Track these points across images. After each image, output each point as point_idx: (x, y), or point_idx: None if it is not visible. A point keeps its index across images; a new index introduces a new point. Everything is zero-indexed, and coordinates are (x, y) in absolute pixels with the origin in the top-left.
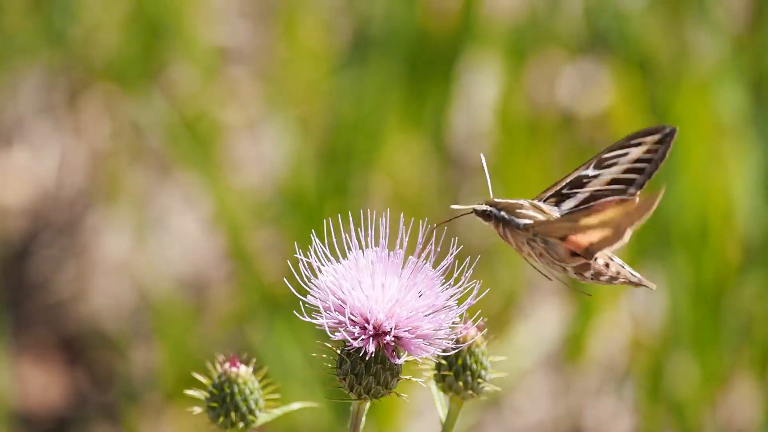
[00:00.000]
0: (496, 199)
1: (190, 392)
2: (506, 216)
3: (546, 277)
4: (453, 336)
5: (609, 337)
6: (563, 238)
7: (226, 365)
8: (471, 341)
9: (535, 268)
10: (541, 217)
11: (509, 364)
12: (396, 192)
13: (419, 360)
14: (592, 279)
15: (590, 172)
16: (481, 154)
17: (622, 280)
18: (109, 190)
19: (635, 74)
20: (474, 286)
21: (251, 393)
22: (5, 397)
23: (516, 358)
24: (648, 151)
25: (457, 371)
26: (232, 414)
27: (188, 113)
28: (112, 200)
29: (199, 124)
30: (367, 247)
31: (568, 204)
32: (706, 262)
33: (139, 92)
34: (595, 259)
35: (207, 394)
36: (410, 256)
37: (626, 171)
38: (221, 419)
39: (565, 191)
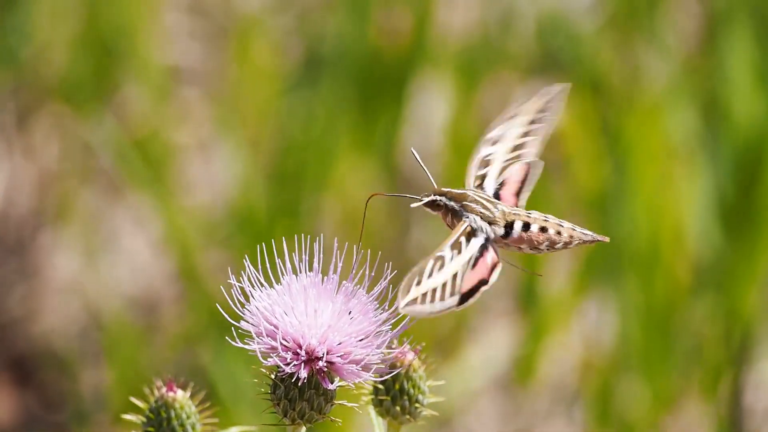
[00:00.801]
0: (444, 189)
1: (127, 417)
2: (457, 207)
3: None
4: (387, 361)
5: (559, 358)
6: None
7: (163, 390)
8: (406, 366)
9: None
10: (489, 206)
11: (459, 385)
12: (347, 213)
13: (352, 386)
14: (548, 249)
15: (487, 150)
16: (412, 149)
17: (577, 241)
18: (60, 211)
19: (587, 96)
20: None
21: (188, 417)
22: None
23: (466, 380)
24: (539, 111)
25: (394, 396)
26: None
27: (139, 134)
28: (63, 221)
29: (151, 145)
30: (310, 270)
31: (489, 182)
32: (657, 284)
33: (91, 113)
34: (547, 230)
35: (144, 419)
36: (344, 281)
37: (522, 135)
38: None
39: (480, 173)
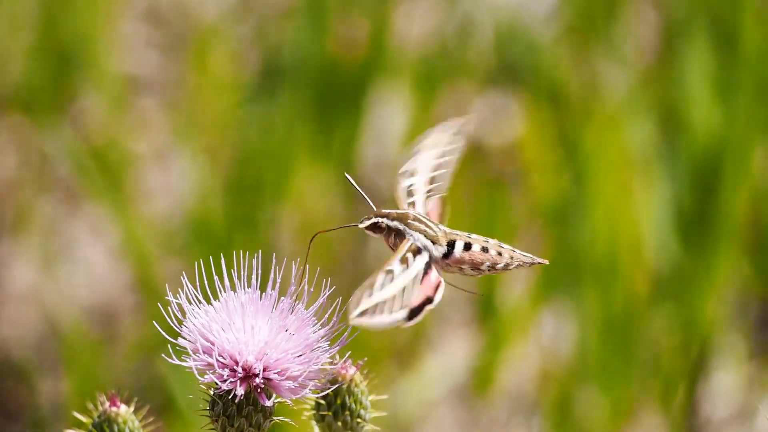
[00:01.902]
0: (383, 210)
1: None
2: (401, 227)
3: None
4: (325, 377)
5: (518, 368)
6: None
7: (106, 404)
8: (347, 381)
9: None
10: (431, 225)
11: (418, 395)
12: (304, 223)
13: (290, 402)
14: (489, 271)
15: (407, 182)
16: (346, 174)
17: (517, 263)
18: (17, 220)
19: (545, 106)
20: (346, 327)
21: None
22: None
23: (424, 390)
24: (447, 143)
25: (336, 411)
26: None
27: (97, 143)
28: (20, 230)
29: (108, 154)
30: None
31: (419, 210)
32: (615, 295)
33: (48, 122)
34: (488, 250)
35: None
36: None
37: (435, 168)
38: None
39: (410, 200)
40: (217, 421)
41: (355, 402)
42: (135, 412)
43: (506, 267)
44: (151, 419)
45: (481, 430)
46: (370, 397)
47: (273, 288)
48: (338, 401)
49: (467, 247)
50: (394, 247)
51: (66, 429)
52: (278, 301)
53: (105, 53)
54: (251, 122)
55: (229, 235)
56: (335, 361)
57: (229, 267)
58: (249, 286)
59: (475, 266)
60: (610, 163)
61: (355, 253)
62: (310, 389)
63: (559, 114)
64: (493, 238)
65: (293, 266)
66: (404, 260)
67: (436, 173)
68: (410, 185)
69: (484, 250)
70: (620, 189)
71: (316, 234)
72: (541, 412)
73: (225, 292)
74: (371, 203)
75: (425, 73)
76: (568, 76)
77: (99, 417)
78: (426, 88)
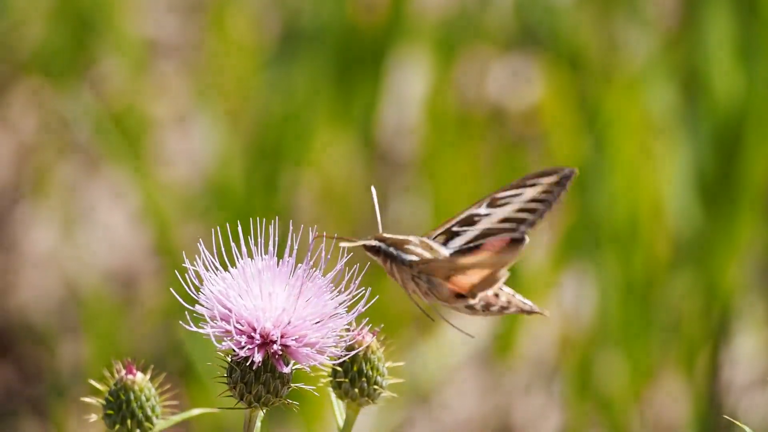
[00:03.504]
0: (385, 235)
1: (86, 399)
2: (393, 252)
3: (428, 316)
4: (343, 344)
5: (538, 333)
6: (447, 278)
7: (122, 372)
8: (364, 348)
9: (418, 307)
10: (428, 254)
11: (438, 361)
12: (324, 188)
13: (308, 369)
14: (483, 311)
15: (482, 210)
16: (372, 188)
17: (514, 309)
18: (37, 184)
19: (565, 70)
20: (364, 293)
21: (147, 400)
22: None
23: (445, 355)
24: (544, 191)
25: (352, 378)
26: (128, 422)
27: (116, 107)
28: (40, 194)
29: (128, 119)
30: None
31: (457, 242)
32: (636, 259)
33: (67, 86)
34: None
35: (103, 402)
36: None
37: (519, 210)
38: (117, 427)
39: (455, 229)
40: (234, 388)
41: (372, 369)
42: (152, 379)
43: (502, 310)
44: (168, 386)
45: (501, 396)
46: (387, 364)
47: (290, 255)
48: (355, 368)
49: None
50: (390, 274)
51: (85, 393)
52: (296, 267)
53: (124, 17)
54: (271, 86)
55: (248, 199)
56: (352, 328)
57: (246, 234)
58: (266, 252)
59: (469, 304)
60: (631, 127)
61: (373, 222)
62: (327, 356)
63: (579, 78)
64: None
65: (311, 233)
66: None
67: (517, 215)
68: (478, 215)
69: None
70: (641, 153)
71: (315, 238)
72: (561, 377)
73: (242, 259)
74: (380, 224)
75: (445, 38)
76: (588, 40)
77: (115, 385)
78: (446, 53)
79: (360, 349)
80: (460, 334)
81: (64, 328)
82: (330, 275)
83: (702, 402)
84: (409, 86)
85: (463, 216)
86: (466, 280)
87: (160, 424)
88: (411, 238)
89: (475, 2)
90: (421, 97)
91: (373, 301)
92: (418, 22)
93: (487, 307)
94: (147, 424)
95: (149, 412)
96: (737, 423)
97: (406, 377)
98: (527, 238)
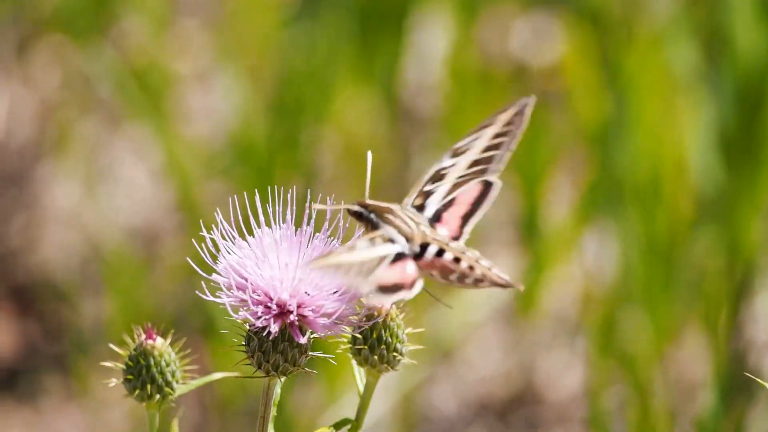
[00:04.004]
0: (368, 201)
1: (106, 364)
2: (374, 218)
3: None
4: (360, 313)
5: (561, 290)
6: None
7: (143, 337)
8: (383, 315)
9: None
10: (405, 227)
11: (461, 317)
12: (347, 144)
13: (324, 338)
14: (458, 282)
15: (446, 162)
16: (368, 152)
17: (488, 282)
18: (59, 141)
19: (588, 27)
20: None
21: (167, 365)
22: None
23: (468, 312)
24: (505, 125)
25: (372, 345)
26: (148, 387)
27: (138, 64)
28: (62, 151)
29: (150, 75)
30: (283, 222)
31: (433, 201)
32: (659, 216)
33: (90, 43)
34: (459, 261)
35: (123, 367)
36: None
37: (485, 150)
38: (137, 392)
39: (427, 188)
40: (252, 356)
41: (392, 336)
42: (172, 342)
43: (476, 283)
44: (189, 349)
45: (524, 353)
46: (407, 330)
47: (308, 223)
48: (374, 335)
49: (439, 253)
50: None
51: (107, 351)
52: (313, 236)
53: None
54: (293, 43)
55: (270, 156)
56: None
57: (264, 202)
58: (284, 221)
59: (444, 274)
60: (653, 84)
61: (395, 179)
62: (345, 325)
63: (601, 35)
64: (534, 162)
65: (329, 202)
66: (372, 241)
67: (484, 155)
68: (444, 167)
69: (456, 260)
70: (663, 110)
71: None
72: (584, 334)
73: (260, 228)
74: (368, 190)
75: None
76: None
77: (135, 350)
78: (468, 10)
79: (379, 317)
80: (484, 290)
81: (86, 285)
82: (348, 244)
83: (724, 359)
84: (432, 43)
85: (430, 174)
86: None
87: (180, 388)
88: (393, 206)
89: None
90: (443, 53)
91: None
92: None
93: (461, 279)
94: (167, 389)
95: (169, 377)
96: (759, 380)
97: (429, 334)
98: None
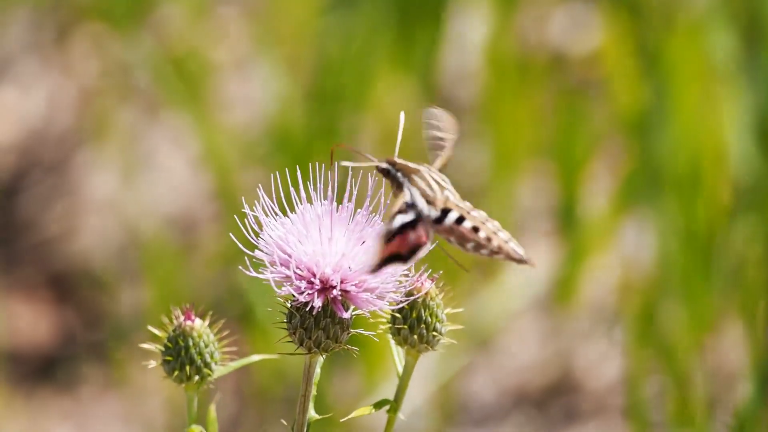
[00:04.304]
0: (396, 159)
1: (144, 346)
2: (400, 178)
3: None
4: (402, 289)
5: (599, 279)
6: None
7: (181, 319)
8: (423, 294)
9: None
10: (429, 191)
11: (499, 306)
12: (385, 132)
13: (367, 314)
14: (474, 251)
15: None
16: (401, 113)
17: (503, 255)
18: (98, 129)
19: (626, 15)
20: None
21: (206, 346)
22: None
23: (506, 301)
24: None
25: (411, 324)
26: (187, 368)
27: (177, 52)
28: (101, 139)
29: (188, 64)
30: (325, 199)
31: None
32: (697, 205)
33: (128, 31)
34: (478, 231)
35: (162, 348)
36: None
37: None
38: (176, 373)
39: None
40: (294, 333)
41: (431, 315)
42: (211, 325)
43: (492, 254)
44: (227, 332)
45: (562, 342)
46: (447, 311)
47: (350, 200)
48: (414, 315)
49: (459, 220)
50: (395, 196)
51: (145, 339)
52: (355, 212)
53: None
54: (332, 31)
55: (309, 144)
56: (412, 274)
57: (305, 179)
58: (326, 198)
59: (461, 242)
60: (692, 72)
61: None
62: (386, 302)
63: (640, 23)
64: (572, 151)
65: (370, 178)
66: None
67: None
68: (439, 137)
69: (474, 230)
70: (702, 99)
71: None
72: (622, 323)
73: (302, 204)
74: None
75: None
76: None
77: (174, 331)
78: None
79: (419, 295)
80: (522, 279)
81: (125, 273)
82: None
83: (763, 348)
84: (470, 31)
85: (432, 141)
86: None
87: (219, 370)
88: (422, 168)
89: None
90: (481, 42)
91: (433, 246)
92: None
93: (477, 248)
94: (206, 370)
95: (208, 359)
96: None
97: (467, 323)
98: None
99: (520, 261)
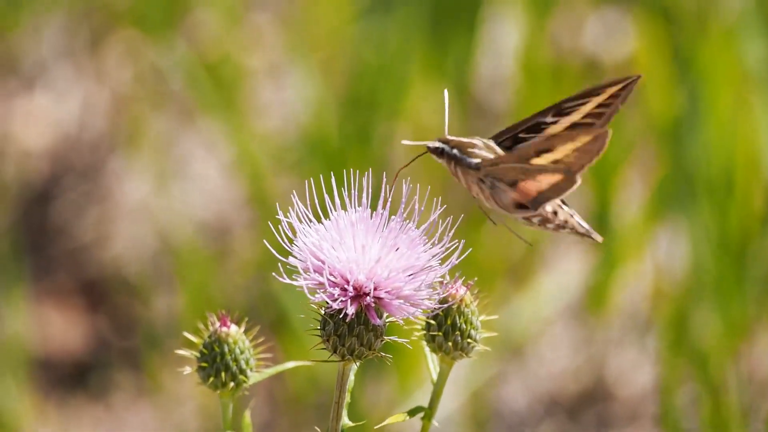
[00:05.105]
0: (449, 137)
1: (180, 352)
2: (458, 154)
3: (492, 221)
4: (436, 296)
5: (632, 287)
6: (513, 184)
7: (217, 325)
8: (457, 301)
9: (482, 210)
10: (492, 157)
11: (532, 313)
12: (419, 139)
13: (401, 322)
14: (539, 225)
15: (549, 119)
16: (445, 91)
17: (569, 229)
18: (132, 135)
19: (660, 21)
20: (458, 246)
21: (242, 352)
22: (27, 341)
23: (539, 307)
24: (610, 96)
25: (446, 331)
26: (222, 374)
27: (210, 58)
28: (135, 145)
29: (222, 70)
30: (359, 206)
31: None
32: (731, 212)
33: (162, 37)
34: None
35: (197, 354)
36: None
37: (586, 116)
38: (211, 379)
39: (521, 135)
40: (328, 340)
41: (466, 322)
42: (246, 331)
43: (558, 228)
44: (261, 339)
45: (595, 349)
46: (481, 318)
47: (384, 207)
48: (448, 321)
49: None
50: (455, 175)
51: (179, 346)
52: (389, 219)
53: None
54: (365, 38)
55: (342, 151)
56: (446, 281)
57: (339, 185)
58: (360, 205)
59: (525, 216)
60: (726, 78)
61: None
62: (420, 309)
63: (673, 30)
64: (606, 157)
65: (404, 185)
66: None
67: (584, 120)
68: (544, 123)
69: None
70: (736, 105)
71: (400, 170)
72: (655, 330)
73: (336, 210)
74: (446, 128)
75: None
76: None
77: (210, 337)
78: (541, 4)
79: (453, 302)
80: (554, 286)
81: (158, 279)
82: (423, 227)
83: None
84: (504, 37)
85: (529, 123)
86: (533, 186)
87: (254, 376)
88: (476, 140)
89: None
90: (516, 48)
91: (466, 254)
92: None
93: (543, 223)
94: (241, 377)
95: (243, 365)
96: None
97: (500, 330)
98: (609, 131)
99: (586, 235)
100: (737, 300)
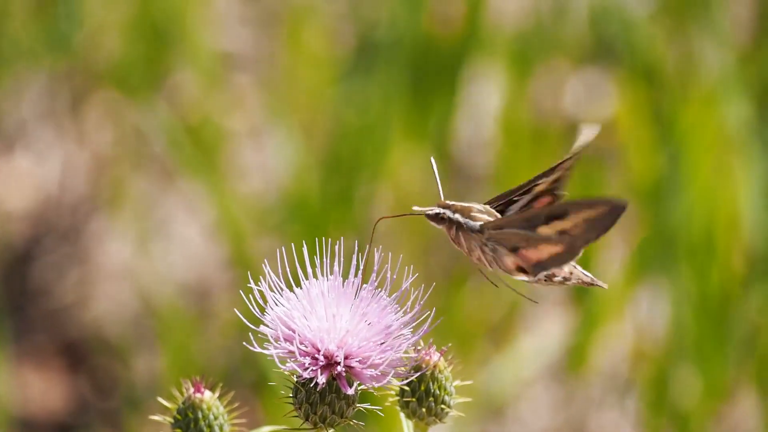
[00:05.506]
0: (449, 202)
1: (154, 417)
2: (461, 219)
3: (493, 284)
4: (408, 364)
5: (612, 347)
6: (514, 250)
7: (191, 391)
8: (431, 367)
9: (483, 274)
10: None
11: (512, 373)
12: (400, 200)
13: (372, 390)
14: (545, 281)
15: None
16: (431, 158)
17: (575, 280)
18: (112, 197)
19: (641, 84)
20: (430, 313)
21: (215, 418)
22: (6, 402)
23: (519, 368)
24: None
25: (420, 397)
26: None
27: (192, 120)
28: (115, 206)
29: (203, 131)
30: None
31: (514, 207)
32: (711, 273)
33: (143, 98)
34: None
35: (171, 420)
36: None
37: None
38: None
39: (515, 198)
40: (300, 408)
41: (440, 388)
42: (221, 396)
43: (564, 281)
44: (237, 403)
45: (575, 409)
46: (456, 383)
47: (356, 275)
48: (422, 387)
49: None
50: (455, 241)
51: (159, 408)
52: (361, 287)
53: (200, 29)
54: (346, 99)
55: (323, 212)
56: (420, 347)
57: (311, 254)
58: (331, 273)
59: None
60: (707, 141)
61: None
62: (392, 377)
63: (654, 92)
64: None
65: (377, 252)
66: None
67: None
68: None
69: None
70: (717, 167)
71: (379, 219)
72: (635, 391)
73: (307, 279)
74: (441, 192)
75: (520, 51)
76: (663, 54)
77: (183, 403)
78: (521, 66)
79: (427, 368)
80: (535, 346)
81: (139, 340)
82: (395, 296)
83: None
84: (485, 99)
85: (523, 189)
86: (534, 254)
87: None
88: (474, 204)
89: (550, 15)
90: (496, 110)
91: (437, 322)
92: (494, 35)
93: (549, 278)
94: None
95: (217, 430)
96: None
97: (480, 391)
98: (626, 204)
99: (592, 284)
100: (718, 361)
